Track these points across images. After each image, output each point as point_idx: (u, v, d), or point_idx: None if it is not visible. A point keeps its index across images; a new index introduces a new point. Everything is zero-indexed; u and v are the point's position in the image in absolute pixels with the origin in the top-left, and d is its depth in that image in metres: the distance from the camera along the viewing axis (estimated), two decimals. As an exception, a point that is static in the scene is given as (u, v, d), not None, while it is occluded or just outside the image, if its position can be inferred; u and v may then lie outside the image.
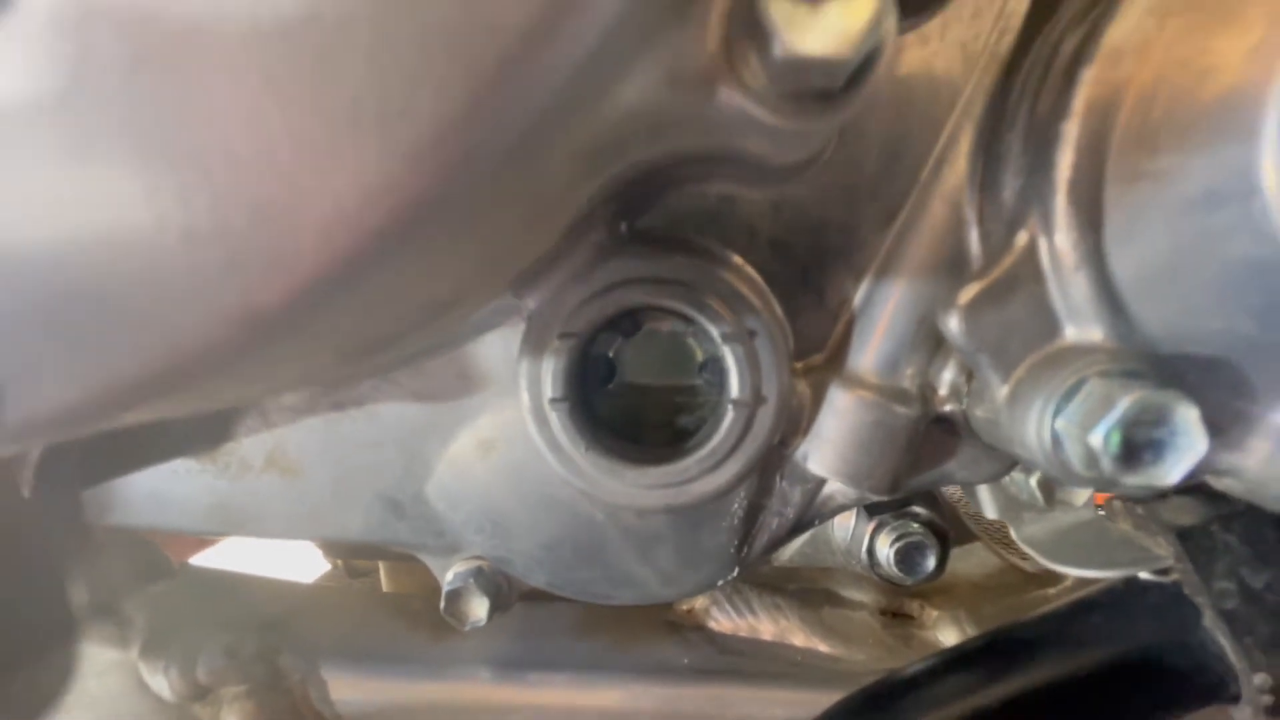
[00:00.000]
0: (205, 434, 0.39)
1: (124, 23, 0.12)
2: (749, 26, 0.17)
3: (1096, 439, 0.22)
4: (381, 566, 0.65)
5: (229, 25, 0.12)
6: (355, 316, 0.19)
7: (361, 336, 0.23)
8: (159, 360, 0.16)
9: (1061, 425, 0.24)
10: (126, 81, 0.12)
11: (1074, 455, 0.23)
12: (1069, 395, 0.24)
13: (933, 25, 0.28)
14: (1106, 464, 0.22)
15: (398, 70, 0.13)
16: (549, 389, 0.31)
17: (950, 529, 0.46)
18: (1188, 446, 0.22)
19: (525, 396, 0.32)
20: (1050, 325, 0.26)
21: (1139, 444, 0.22)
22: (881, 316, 0.32)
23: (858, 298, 0.32)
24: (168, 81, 0.13)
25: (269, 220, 0.14)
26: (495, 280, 0.26)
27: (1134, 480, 0.22)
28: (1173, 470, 0.22)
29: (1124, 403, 0.22)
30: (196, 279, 0.15)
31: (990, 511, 0.42)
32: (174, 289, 0.15)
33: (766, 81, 0.18)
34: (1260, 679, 0.32)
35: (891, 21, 0.17)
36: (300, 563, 0.86)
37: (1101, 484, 0.24)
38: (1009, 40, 0.28)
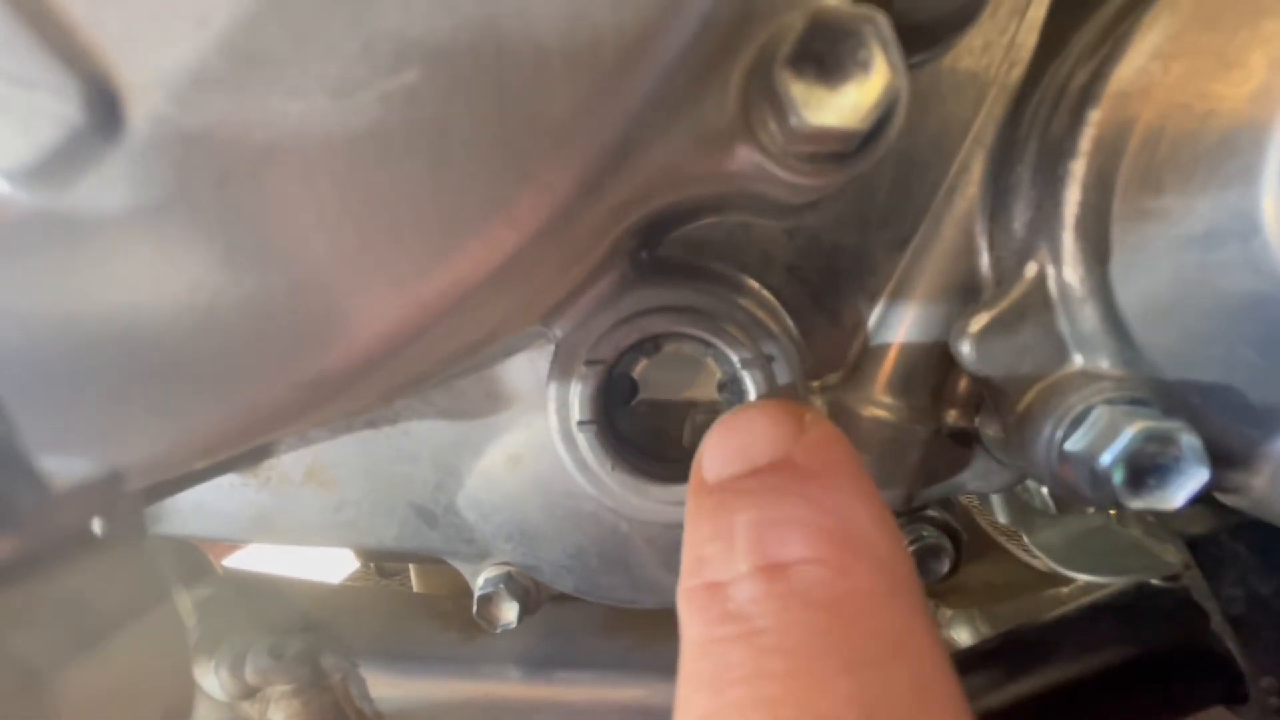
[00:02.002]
0: (249, 453, 0.42)
1: (214, 144, 0.13)
2: (766, 95, 0.19)
3: (1103, 465, 0.23)
4: (411, 567, 0.68)
5: (303, 141, 0.14)
6: (406, 368, 0.21)
7: (406, 379, 0.24)
8: (239, 418, 0.17)
9: (1069, 450, 0.25)
10: (216, 192, 0.14)
11: (1081, 479, 0.25)
12: (1076, 422, 0.25)
13: (944, 59, 0.29)
14: (1113, 489, 0.23)
15: (452, 167, 0.15)
16: (577, 412, 0.33)
17: (963, 532, 0.47)
18: (1191, 473, 0.23)
19: (554, 419, 0.33)
20: (1059, 352, 0.27)
21: (1144, 470, 0.23)
22: (895, 338, 0.33)
23: (872, 319, 0.33)
24: (251, 190, 0.14)
25: (337, 300, 0.16)
26: (529, 317, 0.28)
27: (1139, 504, 0.23)
28: (1176, 495, 0.23)
29: (1129, 431, 0.23)
30: (273, 350, 0.16)
31: (1003, 517, 0.43)
32: (254, 359, 0.16)
33: (783, 143, 0.20)
34: (1267, 682, 0.33)
35: (905, 87, 0.18)
36: (328, 561, 0.89)
37: (1108, 505, 0.25)
38: (1018, 72, 0.29)
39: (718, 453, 0.23)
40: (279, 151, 0.14)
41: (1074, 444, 0.25)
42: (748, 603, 0.19)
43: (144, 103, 0.13)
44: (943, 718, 0.17)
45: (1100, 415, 0.24)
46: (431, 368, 0.26)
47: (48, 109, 0.12)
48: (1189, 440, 0.22)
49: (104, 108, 0.12)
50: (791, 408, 0.23)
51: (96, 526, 0.16)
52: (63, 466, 0.14)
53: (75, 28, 0.12)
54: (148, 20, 0.12)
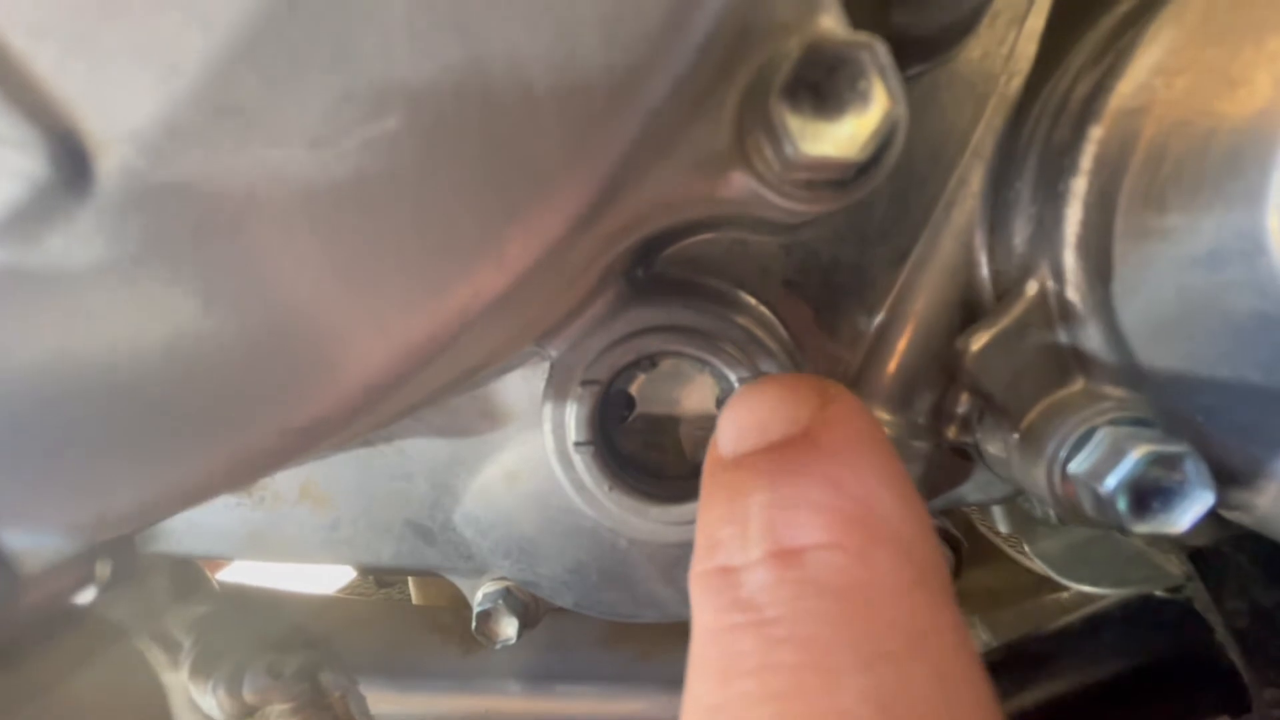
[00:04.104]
0: (243, 474, 0.41)
1: (188, 196, 0.13)
2: (761, 122, 0.18)
3: (1106, 489, 0.23)
4: (410, 578, 0.68)
5: (282, 191, 0.13)
6: (397, 404, 0.20)
7: (399, 412, 0.24)
8: (227, 465, 0.17)
9: (1072, 473, 0.24)
10: (192, 245, 0.13)
11: (1084, 501, 0.24)
12: (1079, 444, 0.24)
13: (942, 70, 0.28)
14: (1116, 512, 0.23)
15: (438, 213, 0.14)
16: (573, 433, 0.32)
17: (964, 539, 0.47)
18: (1197, 497, 0.22)
19: (550, 440, 0.33)
20: (1061, 371, 0.26)
21: (1148, 494, 0.23)
22: (894, 352, 0.32)
23: (871, 334, 0.33)
24: (229, 241, 0.14)
25: (323, 348, 0.15)
26: (523, 342, 0.28)
27: (1144, 528, 0.23)
28: (1181, 519, 0.23)
29: (1133, 455, 0.23)
30: (259, 398, 0.16)
31: (1004, 526, 0.43)
32: (239, 408, 0.16)
33: (779, 170, 0.19)
34: (1270, 693, 0.33)
35: (904, 114, 0.18)
36: (325, 572, 0.89)
37: (1112, 527, 0.24)
38: (1018, 83, 0.28)
39: (734, 426, 0.22)
40: (256, 202, 0.13)
41: (1077, 466, 0.24)
42: (759, 590, 0.17)
43: (114, 156, 0.12)
44: (967, 713, 0.16)
45: (1104, 437, 0.24)
46: (424, 399, 0.25)
47: (12, 165, 0.12)
48: (1194, 464, 0.22)
49: (72, 163, 0.12)
50: (813, 380, 0.22)
51: (89, 594, 0.16)
52: (34, 543, 0.13)
53: (40, 81, 0.11)
54: (116, 72, 0.11)
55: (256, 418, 0.16)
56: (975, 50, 0.29)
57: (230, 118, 0.12)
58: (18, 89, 0.11)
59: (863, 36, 0.17)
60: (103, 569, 0.13)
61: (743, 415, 0.22)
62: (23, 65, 0.11)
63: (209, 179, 0.13)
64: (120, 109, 0.12)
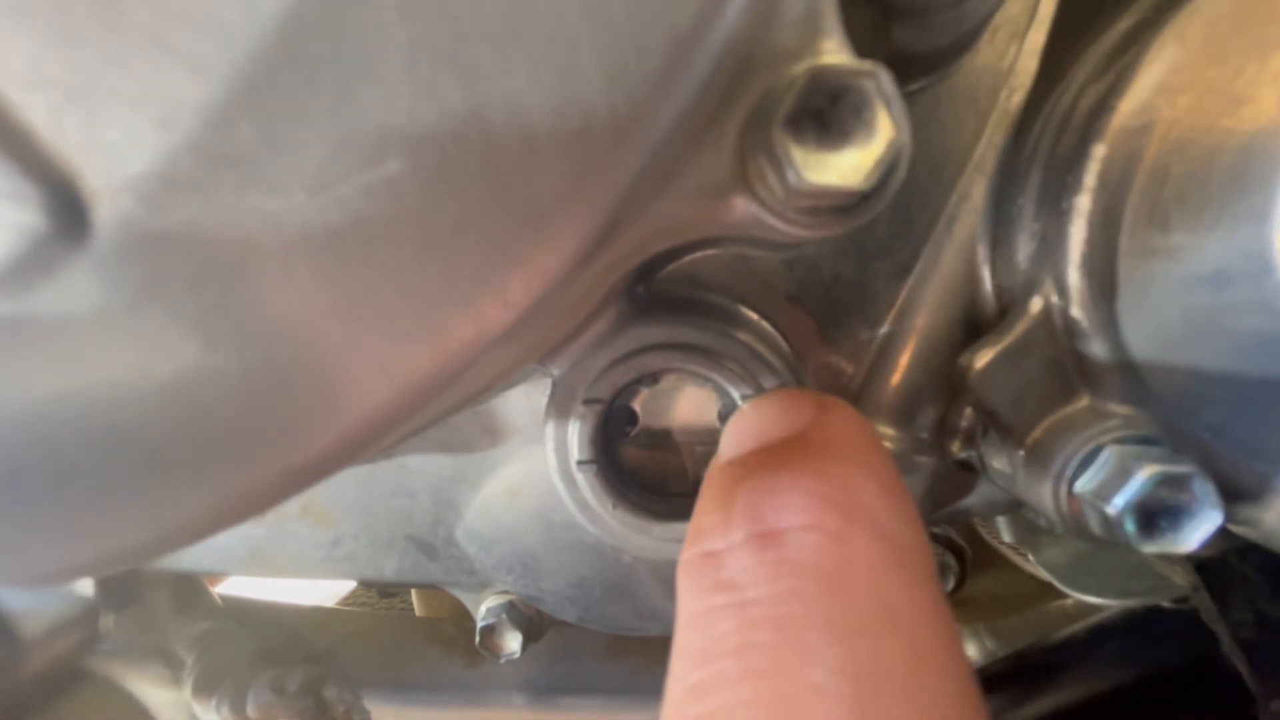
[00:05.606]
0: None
1: (186, 244, 0.13)
2: (764, 150, 0.18)
3: (1114, 510, 0.23)
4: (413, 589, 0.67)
5: (280, 237, 0.13)
6: (399, 436, 0.20)
7: (400, 441, 0.24)
8: (228, 505, 0.17)
9: (1078, 492, 0.24)
10: (190, 291, 0.13)
11: (1091, 520, 0.24)
12: (1085, 463, 0.24)
13: (943, 85, 0.28)
14: (1124, 532, 0.23)
15: (439, 254, 0.14)
16: (576, 452, 0.32)
17: (968, 548, 0.47)
18: (1205, 517, 0.22)
19: (553, 459, 0.33)
20: (1066, 388, 0.26)
21: (1156, 514, 0.23)
22: (897, 367, 0.32)
23: (873, 349, 0.33)
24: (227, 287, 0.13)
25: (324, 389, 0.15)
26: (525, 366, 0.27)
27: (1152, 548, 0.23)
28: (1189, 539, 0.22)
29: (1140, 475, 0.22)
30: (261, 439, 0.16)
31: (1008, 536, 0.43)
32: (241, 449, 0.16)
33: (782, 197, 0.19)
34: (1278, 704, 0.33)
35: (908, 142, 0.18)
36: (325, 582, 0.88)
37: (1119, 544, 0.24)
38: (1019, 98, 0.28)
39: (734, 435, 0.23)
40: (254, 249, 0.13)
41: (1083, 485, 0.24)
42: (740, 571, 0.18)
43: (111, 207, 0.12)
44: (941, 687, 0.16)
45: (1110, 456, 0.24)
46: (426, 427, 0.25)
47: (8, 218, 0.11)
48: (1201, 484, 0.22)
49: (68, 214, 0.12)
50: (811, 394, 0.23)
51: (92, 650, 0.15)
52: (36, 603, 0.13)
53: (35, 133, 0.11)
54: (112, 123, 0.11)
55: (258, 458, 0.16)
56: (976, 65, 0.28)
57: (227, 167, 0.12)
58: (13, 141, 0.11)
59: (866, 64, 0.17)
60: (107, 622, 0.13)
61: (742, 424, 0.23)
62: (18, 117, 0.11)
63: (206, 227, 0.13)
64: (116, 160, 0.12)
